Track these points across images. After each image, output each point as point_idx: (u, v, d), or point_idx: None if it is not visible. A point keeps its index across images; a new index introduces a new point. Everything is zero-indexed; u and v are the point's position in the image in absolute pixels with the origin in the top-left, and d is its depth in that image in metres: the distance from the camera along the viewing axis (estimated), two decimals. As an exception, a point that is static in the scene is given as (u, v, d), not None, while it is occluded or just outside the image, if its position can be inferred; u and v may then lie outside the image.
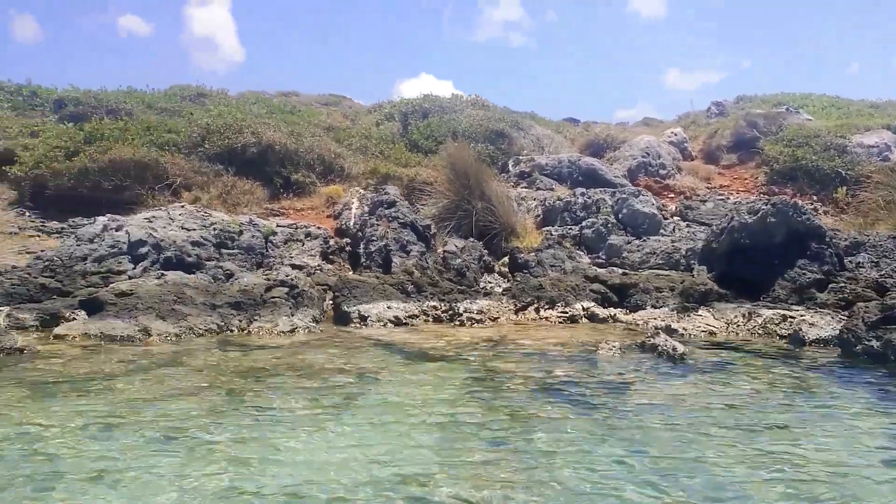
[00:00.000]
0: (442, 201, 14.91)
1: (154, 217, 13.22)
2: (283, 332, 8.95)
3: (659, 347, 7.61)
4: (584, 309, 10.88)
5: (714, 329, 9.50)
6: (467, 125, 19.57)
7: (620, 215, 14.59)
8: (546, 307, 10.93)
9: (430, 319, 10.58)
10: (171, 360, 7.29)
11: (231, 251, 13.00)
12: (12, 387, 5.99)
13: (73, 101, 20.78)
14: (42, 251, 13.84)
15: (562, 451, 4.72)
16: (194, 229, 13.20)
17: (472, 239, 13.91)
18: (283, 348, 8.16)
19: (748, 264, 11.15)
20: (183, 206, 14.79)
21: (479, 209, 14.36)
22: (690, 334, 9.24)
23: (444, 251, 13.09)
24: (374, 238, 12.85)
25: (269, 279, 11.26)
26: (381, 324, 9.99)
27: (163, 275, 10.12)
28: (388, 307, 10.45)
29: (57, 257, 12.19)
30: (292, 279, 10.67)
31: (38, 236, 15.60)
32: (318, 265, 12.57)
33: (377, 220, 13.24)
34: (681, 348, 7.48)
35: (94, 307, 9.06)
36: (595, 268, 13.04)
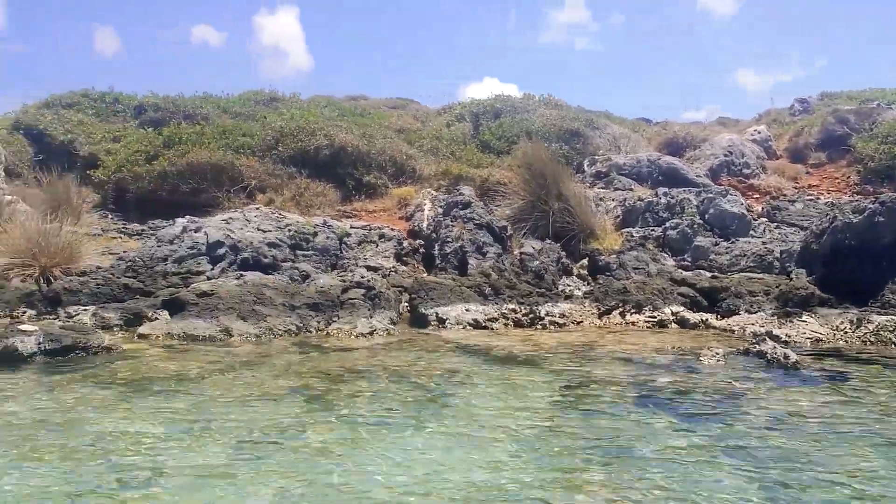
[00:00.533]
0: (517, 202, 14.51)
1: (231, 218, 13.29)
2: (361, 333, 8.73)
3: (767, 355, 7.03)
4: (673, 313, 10.30)
5: (820, 336, 8.80)
6: (540, 125, 19.12)
7: (707, 216, 13.89)
8: (632, 311, 10.40)
9: (510, 323, 10.20)
10: (254, 362, 7.14)
11: (306, 252, 12.94)
12: (100, 387, 5.91)
13: (153, 106, 21.31)
14: (124, 252, 14.11)
15: (677, 469, 4.27)
16: (270, 231, 13.20)
17: (548, 240, 13.45)
18: (362, 350, 7.93)
19: (853, 267, 10.36)
20: (258, 208, 14.86)
21: (556, 210, 13.90)
22: (794, 341, 8.57)
23: (521, 253, 12.69)
24: (448, 239, 12.56)
25: (344, 281, 11.11)
26: (461, 327, 9.67)
27: (242, 275, 10.07)
28: (467, 310, 10.13)
29: (139, 258, 12.37)
30: (369, 281, 10.47)
31: (120, 238, 15.95)
32: (393, 267, 12.35)
33: (452, 222, 12.96)
34: (793, 356, 6.88)
35: (176, 307, 9.05)
36: (681, 271, 12.40)
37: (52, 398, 5.51)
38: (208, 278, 11.77)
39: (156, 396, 5.60)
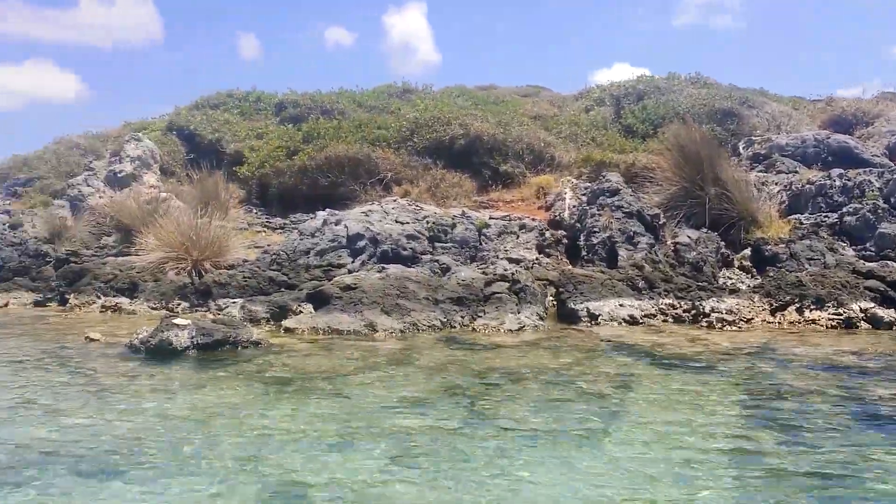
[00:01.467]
0: (668, 189, 13.40)
1: (370, 211, 13.16)
2: (510, 330, 8.18)
3: None
4: (862, 310, 8.99)
5: None
6: (688, 105, 17.73)
7: (893, 199, 12.18)
8: (812, 307, 9.18)
9: (670, 319, 9.31)
10: (400, 359, 6.77)
11: (444, 244, 12.57)
12: (249, 383, 5.73)
13: (292, 103, 21.83)
14: (268, 245, 14.39)
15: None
16: (408, 223, 12.94)
17: (704, 229, 12.30)
18: (513, 348, 7.37)
19: None
20: (395, 200, 14.69)
21: (712, 196, 12.68)
22: None
23: (676, 243, 11.66)
24: (595, 229, 11.75)
25: (486, 273, 10.61)
26: (615, 323, 8.90)
27: (384, 268, 9.81)
28: (620, 304, 9.33)
29: (282, 251, 12.48)
30: (513, 274, 9.90)
31: (264, 231, 16.36)
32: (536, 259, 11.72)
33: (598, 210, 12.12)
34: None
35: (320, 300, 8.90)
36: (864, 262, 10.90)
37: (205, 396, 5.35)
38: (349, 271, 11.67)
39: (307, 397, 5.31)
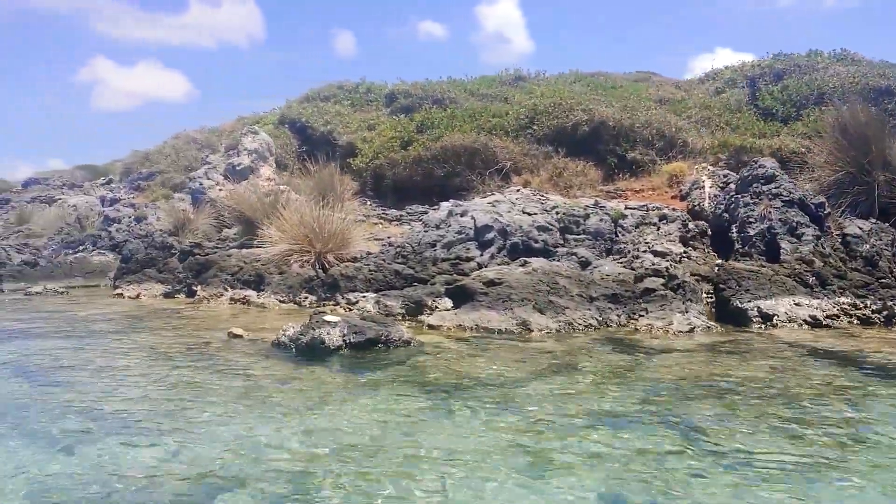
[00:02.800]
0: (828, 175, 12.07)
1: (497, 201, 12.50)
2: (680, 332, 7.31)
3: None
4: None
5: None
6: (836, 85, 16.12)
7: None
8: None
9: (855, 320, 8.17)
10: (567, 363, 6.05)
11: (577, 236, 11.75)
12: (413, 392, 5.14)
13: (403, 93, 21.50)
14: (388, 238, 14.00)
15: None
16: (536, 213, 12.20)
17: (873, 220, 10.93)
18: (689, 353, 6.52)
19: None
20: (519, 190, 13.98)
21: (881, 183, 11.29)
22: None
23: (844, 234, 10.36)
24: (751, 220, 10.62)
25: (634, 268, 9.74)
26: (795, 325, 7.85)
27: (526, 262, 9.11)
28: (797, 304, 8.27)
29: (407, 244, 12.01)
30: (667, 269, 8.99)
31: (381, 224, 16.03)
32: (684, 252, 10.73)
33: (752, 199, 10.97)
34: None
35: (461, 296, 8.31)
36: None
37: (371, 406, 4.80)
38: (478, 264, 11.07)
39: (480, 410, 4.64)
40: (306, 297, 11.08)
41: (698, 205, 13.07)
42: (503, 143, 16.33)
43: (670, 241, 11.26)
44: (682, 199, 13.91)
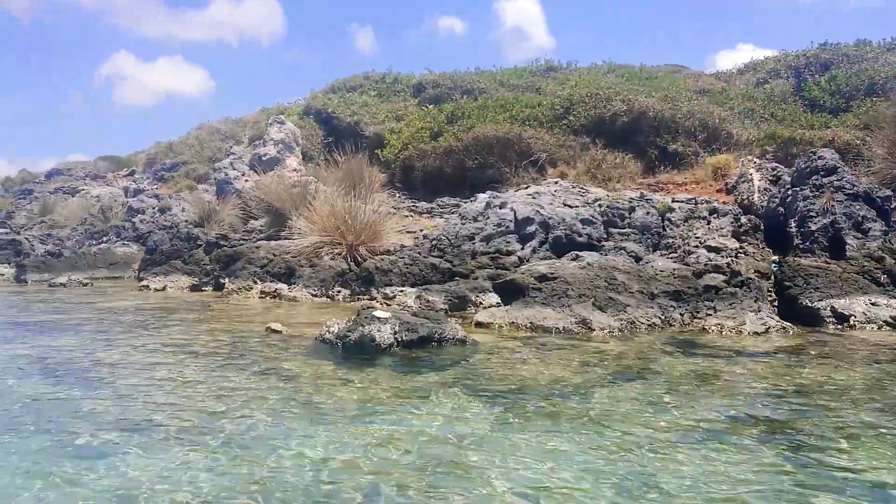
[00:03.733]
0: (888, 169, 11.43)
1: (537, 193, 11.96)
2: (754, 333, 6.74)
3: None
4: None
5: None
6: (889, 74, 15.38)
7: None
8: None
9: (936, 323, 7.56)
10: (638, 367, 5.52)
11: (622, 230, 11.19)
12: (476, 400, 4.62)
13: (431, 83, 20.97)
14: (420, 230, 13.52)
15: None
16: (578, 206, 11.65)
17: (939, 215, 10.29)
18: (770, 357, 5.95)
19: None
20: (557, 182, 13.42)
21: (948, 175, 10.64)
22: None
23: (912, 230, 9.74)
24: (811, 213, 10.00)
25: (686, 264, 9.18)
26: (874, 326, 7.26)
27: (578, 256, 8.57)
28: (873, 303, 7.66)
29: (444, 236, 11.51)
30: (728, 265, 8.40)
31: (412, 216, 15.53)
32: (740, 248, 10.12)
33: (812, 192, 10.34)
34: None
35: (510, 292, 7.79)
36: None
37: (433, 415, 4.29)
38: (520, 259, 10.56)
39: (556, 429, 4.09)
40: (339, 291, 10.62)
41: (747, 198, 12.47)
42: (538, 133, 15.77)
43: (722, 235, 10.66)
44: (728, 192, 13.31)
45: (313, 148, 20.35)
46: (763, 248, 10.76)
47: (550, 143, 15.51)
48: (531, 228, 10.91)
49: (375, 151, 18.05)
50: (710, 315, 7.16)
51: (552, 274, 7.54)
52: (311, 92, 23.89)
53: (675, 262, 9.56)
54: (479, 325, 7.18)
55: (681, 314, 7.33)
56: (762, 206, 12.00)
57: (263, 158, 17.98)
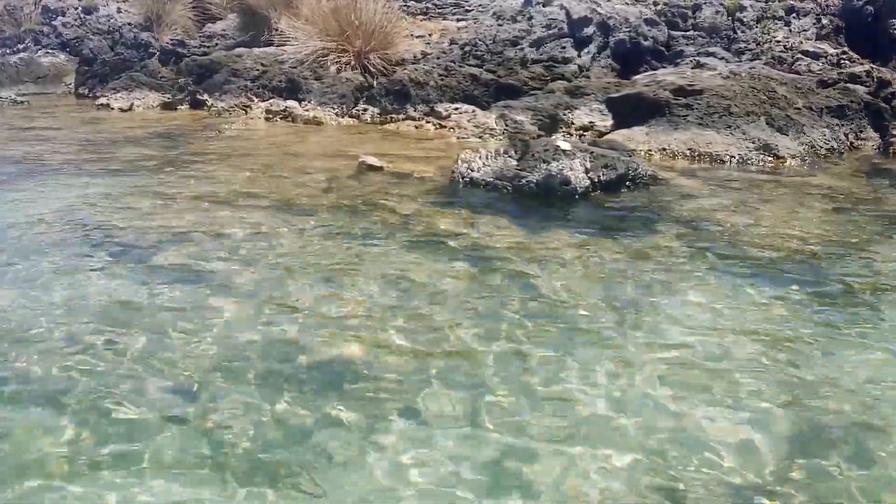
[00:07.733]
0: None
1: (588, -14, 9.98)
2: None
3: None
4: None
5: None
6: None
7: None
8: None
9: None
10: (874, 214, 4.23)
11: (686, 33, 9.58)
12: (731, 265, 3.25)
13: None
14: (441, 33, 11.40)
15: None
16: (634, 4, 9.85)
17: None
18: None
19: None
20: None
21: None
22: None
23: None
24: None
25: (797, 72, 7.77)
26: None
27: (700, 63, 6.98)
28: None
29: (480, 41, 9.58)
30: (869, 73, 7.03)
31: (405, 17, 13.20)
32: (843, 52, 8.74)
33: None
34: None
35: (633, 110, 6.20)
36: None
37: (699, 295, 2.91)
38: (579, 67, 8.91)
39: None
40: (365, 109, 8.74)
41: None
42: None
43: (807, 38, 9.23)
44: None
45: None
46: (850, 53, 9.43)
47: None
48: (588, 31, 9.13)
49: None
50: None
51: (691, 86, 5.97)
52: None
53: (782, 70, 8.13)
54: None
55: (845, 134, 6.03)
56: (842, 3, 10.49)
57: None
